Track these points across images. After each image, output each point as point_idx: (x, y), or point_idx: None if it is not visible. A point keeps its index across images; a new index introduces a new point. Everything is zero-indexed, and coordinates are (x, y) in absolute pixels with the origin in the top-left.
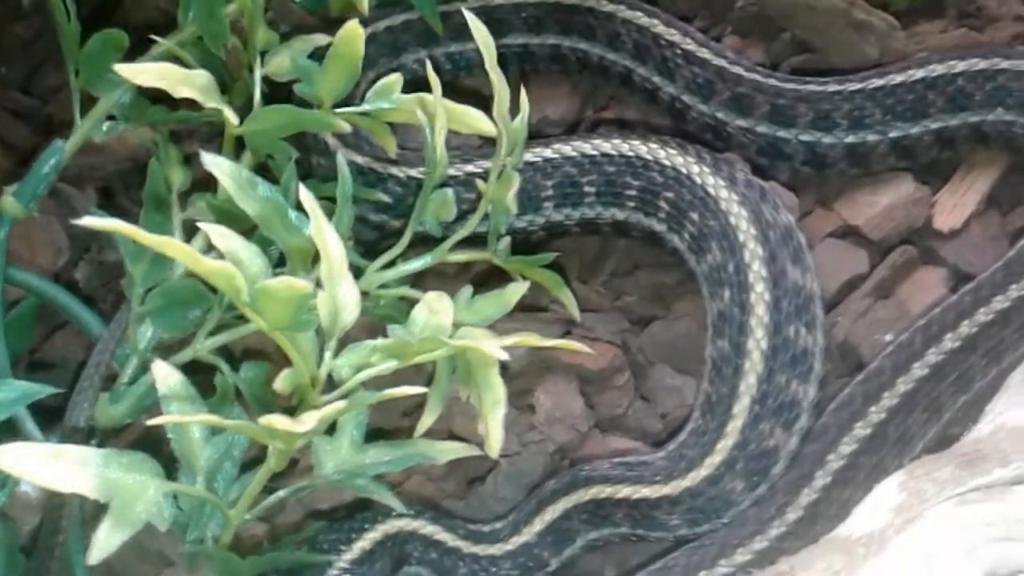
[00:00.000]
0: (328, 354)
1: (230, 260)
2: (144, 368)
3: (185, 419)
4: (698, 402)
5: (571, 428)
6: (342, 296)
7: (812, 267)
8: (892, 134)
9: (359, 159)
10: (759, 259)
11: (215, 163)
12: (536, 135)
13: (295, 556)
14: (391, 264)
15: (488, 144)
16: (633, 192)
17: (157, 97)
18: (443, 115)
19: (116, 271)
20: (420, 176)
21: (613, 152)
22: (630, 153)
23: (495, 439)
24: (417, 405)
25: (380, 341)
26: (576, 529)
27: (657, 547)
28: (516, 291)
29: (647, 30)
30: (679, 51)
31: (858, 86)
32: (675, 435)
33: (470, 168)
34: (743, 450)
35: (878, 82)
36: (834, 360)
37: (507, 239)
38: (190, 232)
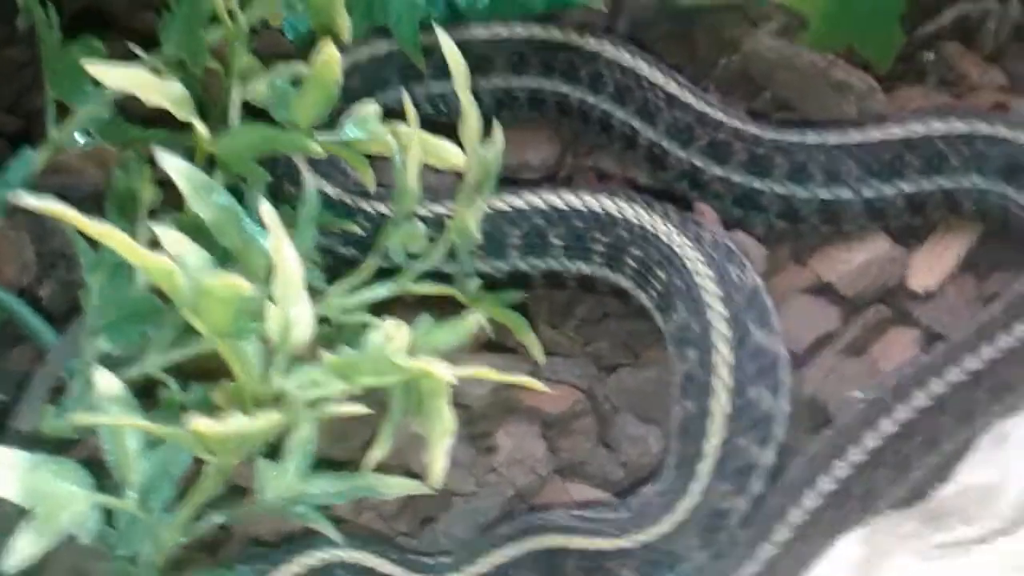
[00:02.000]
0: (274, 371)
1: (176, 262)
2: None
3: (114, 421)
4: (669, 462)
5: (531, 471)
6: (295, 313)
7: (778, 331)
8: (866, 193)
9: (330, 189)
10: (723, 320)
11: (171, 163)
12: (515, 180)
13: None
14: (354, 292)
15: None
16: (601, 248)
17: (137, 118)
18: (417, 146)
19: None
20: (390, 213)
21: (582, 207)
22: (599, 209)
23: (438, 469)
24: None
25: (327, 358)
26: None
27: None
28: (475, 320)
29: (631, 71)
30: (661, 93)
31: (836, 140)
32: (637, 486)
33: (440, 209)
34: (701, 511)
35: (856, 136)
36: (801, 416)
37: (476, 280)
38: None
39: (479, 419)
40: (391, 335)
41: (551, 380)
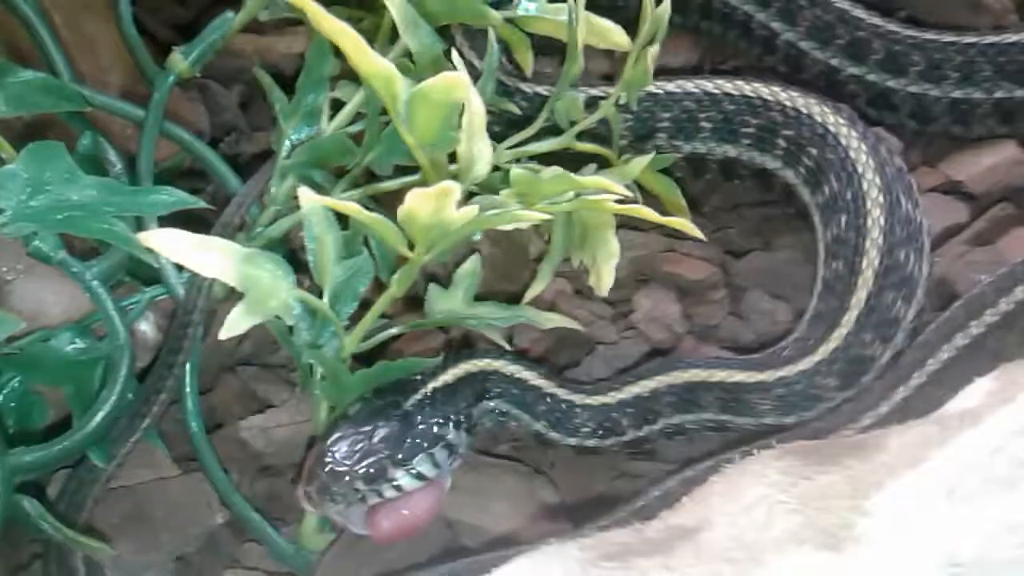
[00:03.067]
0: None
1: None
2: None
3: (319, 199)
4: (806, 317)
5: (667, 328)
6: (478, 149)
7: (921, 206)
8: (997, 94)
9: None
10: (876, 187)
11: None
12: None
13: (401, 365)
14: (523, 145)
15: (609, 83)
16: (750, 130)
17: None
18: (584, 21)
19: (248, 166)
20: (547, 93)
21: (734, 91)
22: (751, 93)
23: (605, 283)
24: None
25: (513, 172)
26: (660, 410)
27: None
28: (637, 165)
29: None
30: None
31: (973, 39)
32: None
33: (594, 92)
34: (844, 353)
35: (993, 38)
36: (931, 295)
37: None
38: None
39: (618, 289)
40: (564, 173)
41: (688, 255)
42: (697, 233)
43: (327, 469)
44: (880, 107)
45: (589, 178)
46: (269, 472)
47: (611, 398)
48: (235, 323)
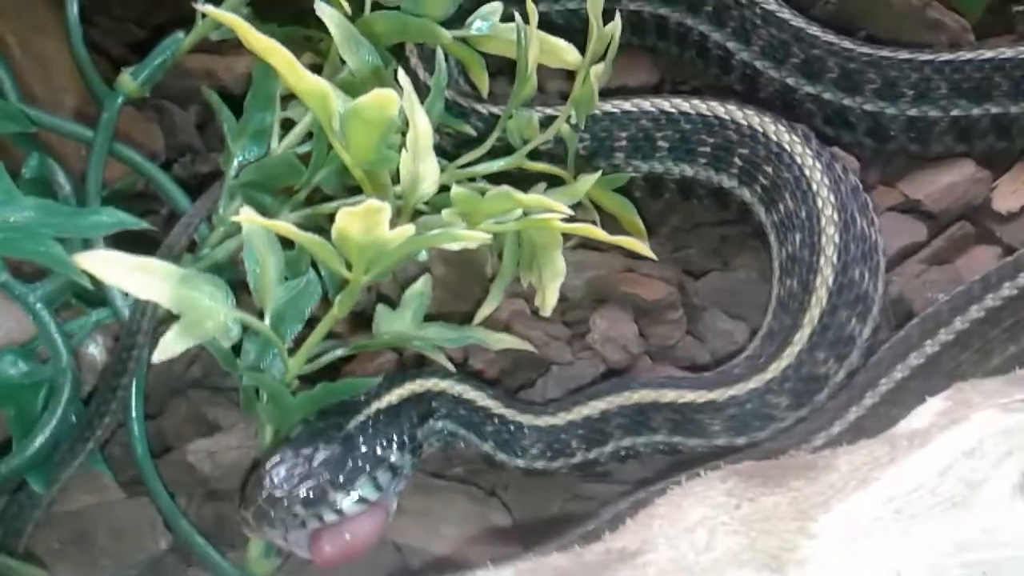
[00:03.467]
0: (405, 218)
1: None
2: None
3: (259, 220)
4: (760, 334)
5: (623, 349)
6: (423, 167)
7: (877, 222)
8: (953, 112)
9: (446, 92)
10: (831, 205)
11: (326, 9)
12: None
13: (343, 386)
14: (473, 164)
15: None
16: (707, 149)
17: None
18: (537, 42)
19: (204, 186)
20: (503, 113)
21: (691, 111)
22: (707, 112)
23: (550, 303)
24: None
25: (454, 191)
26: (610, 432)
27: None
28: (585, 183)
29: None
30: (759, 10)
31: (928, 57)
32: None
33: (549, 111)
34: (796, 371)
35: (947, 56)
36: (888, 314)
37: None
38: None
39: (575, 308)
40: (507, 194)
41: (645, 275)
42: (649, 253)
43: (265, 494)
44: (836, 126)
45: (531, 197)
46: (216, 497)
47: (560, 419)
48: (169, 345)
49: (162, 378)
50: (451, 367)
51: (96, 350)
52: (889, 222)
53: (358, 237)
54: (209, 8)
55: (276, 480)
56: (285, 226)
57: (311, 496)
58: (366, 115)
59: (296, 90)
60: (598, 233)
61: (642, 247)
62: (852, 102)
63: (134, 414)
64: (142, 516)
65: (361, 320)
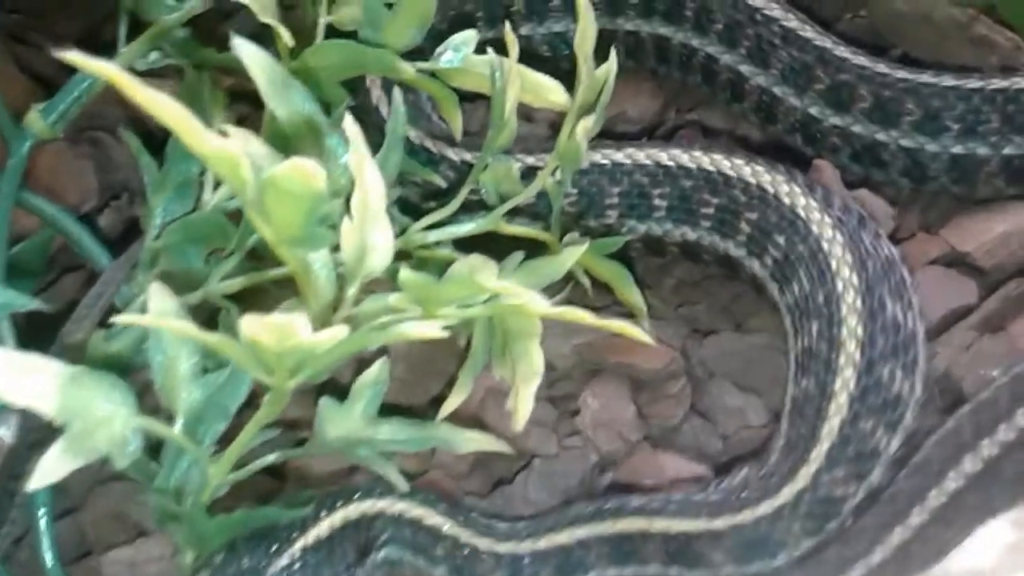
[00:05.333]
0: (348, 300)
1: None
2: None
3: (157, 322)
4: (776, 444)
5: (618, 436)
6: (373, 237)
7: (916, 306)
8: (1006, 150)
9: (412, 133)
10: (854, 289)
11: (248, 52)
12: (610, 133)
13: (263, 514)
14: (439, 227)
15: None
16: (710, 211)
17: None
18: (517, 79)
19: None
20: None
21: (691, 165)
22: (710, 168)
23: (523, 413)
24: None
25: (405, 277)
26: (591, 562)
27: None
28: (571, 255)
29: (743, 3)
30: (778, 28)
31: (976, 84)
32: (737, 463)
33: (531, 161)
34: (812, 495)
35: (999, 83)
36: (933, 393)
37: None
38: None
39: (563, 380)
40: (476, 267)
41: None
42: (647, 339)
43: None
44: (867, 163)
45: (500, 284)
46: None
47: (524, 546)
48: (49, 469)
49: (81, 470)
50: (403, 485)
51: (5, 432)
52: (932, 279)
53: (273, 347)
54: (81, 61)
55: None
56: (186, 327)
57: None
58: (285, 188)
59: (199, 155)
60: (584, 318)
61: (639, 333)
62: (886, 136)
63: (42, 520)
64: None
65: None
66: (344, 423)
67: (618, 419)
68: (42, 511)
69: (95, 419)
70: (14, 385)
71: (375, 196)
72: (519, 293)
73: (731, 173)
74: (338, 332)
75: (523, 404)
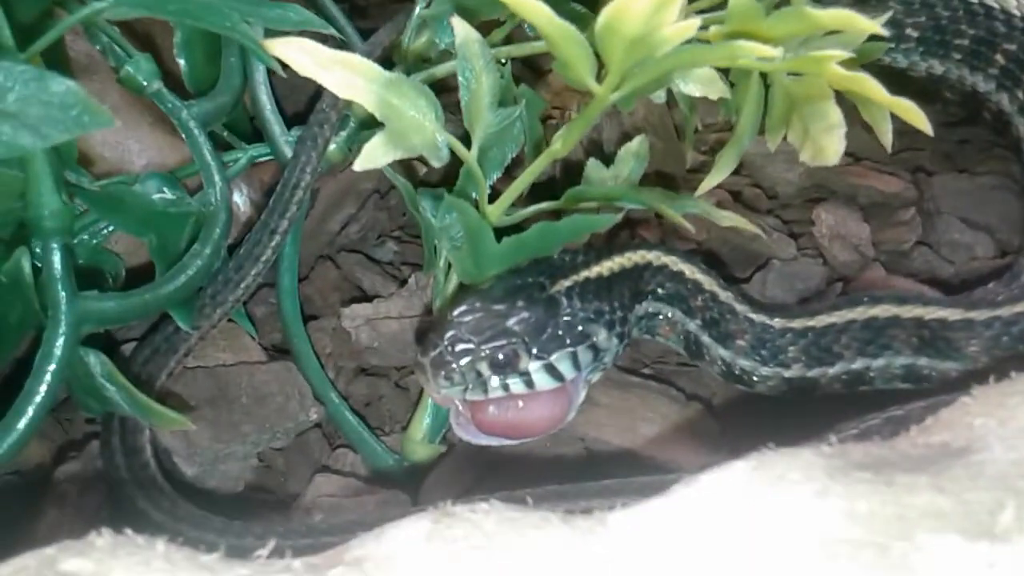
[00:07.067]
0: None
1: None
2: None
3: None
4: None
5: (854, 249)
6: None
7: None
8: None
9: None
10: None
11: None
12: None
13: (571, 224)
14: None
15: None
16: (964, 42)
17: None
18: None
19: None
20: None
21: None
22: None
23: (833, 150)
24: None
25: (732, 1)
26: (839, 352)
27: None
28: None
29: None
30: None
31: None
32: (970, 288)
33: None
34: None
35: None
36: None
37: None
38: None
39: (788, 207)
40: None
41: (877, 169)
42: (925, 126)
43: (448, 343)
44: None
45: (832, 12)
46: (370, 372)
47: (779, 323)
48: (374, 152)
49: (310, 240)
50: (690, 229)
51: (241, 200)
52: None
53: (633, 28)
54: None
55: (464, 329)
56: (539, 6)
57: (502, 357)
58: None
59: None
60: (878, 91)
61: (919, 116)
62: None
63: (286, 265)
64: (287, 382)
65: (544, 194)
66: (607, 184)
67: (854, 234)
68: (286, 259)
69: (411, 122)
70: (339, 78)
71: None
72: (858, 23)
73: (992, 3)
74: (691, 24)
75: (831, 144)
